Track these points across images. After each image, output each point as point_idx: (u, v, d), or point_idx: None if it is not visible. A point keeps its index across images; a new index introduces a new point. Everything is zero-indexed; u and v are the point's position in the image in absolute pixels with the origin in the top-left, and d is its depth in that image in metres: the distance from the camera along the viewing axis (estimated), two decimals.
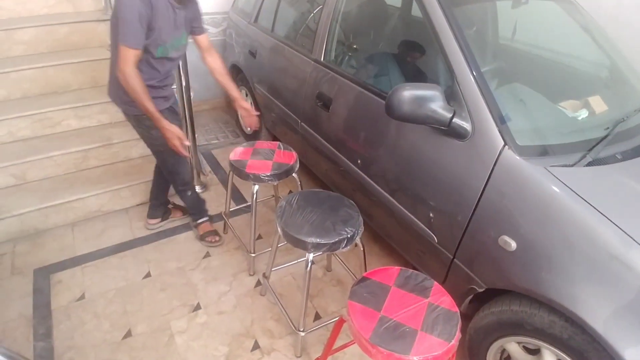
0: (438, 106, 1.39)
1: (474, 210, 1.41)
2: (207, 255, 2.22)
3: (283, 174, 1.90)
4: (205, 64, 2.01)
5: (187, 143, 1.73)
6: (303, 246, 1.50)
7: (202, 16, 1.93)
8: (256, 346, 1.76)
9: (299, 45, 2.35)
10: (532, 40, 2.29)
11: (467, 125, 1.41)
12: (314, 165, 2.49)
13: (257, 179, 1.87)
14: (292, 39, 2.46)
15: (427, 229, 1.63)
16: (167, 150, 1.84)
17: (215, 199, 2.63)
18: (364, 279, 1.29)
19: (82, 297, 1.96)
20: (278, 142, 2.08)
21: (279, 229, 1.57)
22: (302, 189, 1.92)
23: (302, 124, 2.33)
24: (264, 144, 2.08)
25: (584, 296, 1.18)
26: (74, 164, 2.50)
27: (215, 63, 2.00)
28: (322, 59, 2.12)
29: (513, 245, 1.29)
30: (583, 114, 1.70)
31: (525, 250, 1.28)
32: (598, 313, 1.15)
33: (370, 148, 1.89)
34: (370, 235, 2.32)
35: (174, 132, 1.71)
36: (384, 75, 1.97)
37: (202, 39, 1.95)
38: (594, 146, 1.41)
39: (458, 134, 1.43)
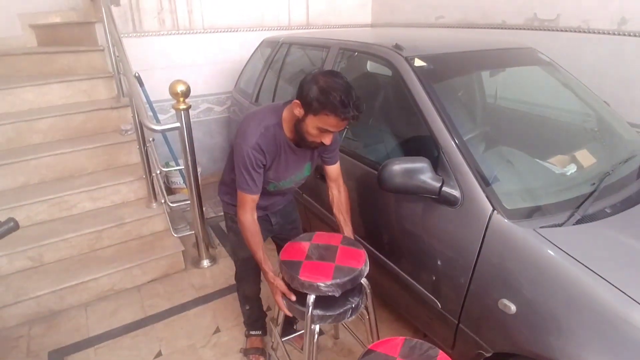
0: (427, 177, 1.48)
1: (472, 274, 1.45)
2: (217, 330, 2.23)
3: (348, 282, 1.45)
4: (330, 194, 1.79)
5: (293, 298, 1.52)
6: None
7: (338, 145, 1.73)
8: None
9: None
10: (518, 101, 2.43)
11: (456, 193, 1.49)
12: (310, 226, 2.55)
13: (313, 289, 1.44)
14: None
15: (431, 295, 1.66)
16: (241, 259, 1.87)
17: (224, 272, 2.68)
18: (369, 352, 1.31)
19: None
20: (342, 236, 1.70)
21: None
22: (372, 300, 1.68)
23: (304, 195, 2.42)
24: (324, 236, 1.69)
25: (592, 359, 1.18)
26: (88, 244, 2.59)
27: (340, 197, 1.77)
28: None
29: (513, 308, 1.32)
30: (571, 169, 1.77)
31: (526, 312, 1.30)
32: None
33: (370, 218, 1.96)
34: (379, 300, 2.33)
35: (278, 288, 1.54)
36: (378, 146, 2.09)
37: (332, 169, 1.74)
38: (581, 204, 1.46)
39: (449, 202, 1.51)
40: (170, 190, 3.42)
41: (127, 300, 2.47)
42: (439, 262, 1.60)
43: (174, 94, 2.22)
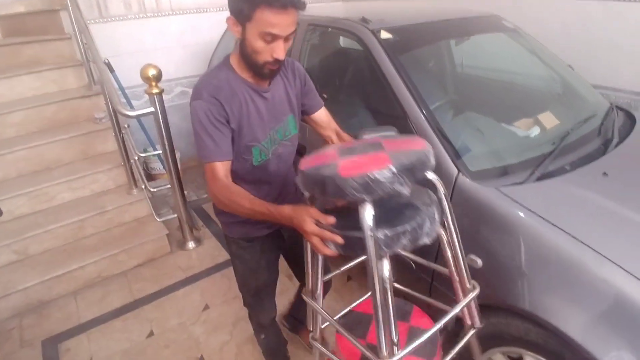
0: None
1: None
2: (206, 307, 2.30)
3: (417, 165, 0.88)
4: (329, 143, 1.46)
5: (331, 220, 0.95)
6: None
7: (313, 86, 1.43)
8: None
9: None
10: (484, 68, 2.50)
11: None
12: None
13: (366, 189, 0.84)
14: None
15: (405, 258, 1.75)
16: (253, 289, 1.58)
17: (209, 252, 2.74)
18: (350, 312, 1.39)
19: None
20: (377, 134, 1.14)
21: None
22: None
23: None
24: (351, 142, 1.22)
25: (556, 306, 1.28)
26: (72, 234, 2.61)
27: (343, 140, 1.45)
28: None
29: (479, 262, 1.41)
30: (535, 131, 1.85)
31: (491, 266, 1.39)
32: (573, 322, 1.23)
33: None
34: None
35: (303, 212, 0.98)
36: (351, 120, 2.14)
37: (320, 115, 1.46)
38: (541, 162, 1.55)
39: None
40: (150, 177, 3.43)
41: (115, 286, 2.51)
42: None
43: (146, 79, 2.22)
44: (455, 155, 1.53)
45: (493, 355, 1.53)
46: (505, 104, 2.13)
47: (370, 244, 0.87)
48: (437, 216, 1.00)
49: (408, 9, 2.61)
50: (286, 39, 1.14)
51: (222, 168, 1.20)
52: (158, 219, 2.74)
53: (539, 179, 1.50)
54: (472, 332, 1.23)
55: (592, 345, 1.20)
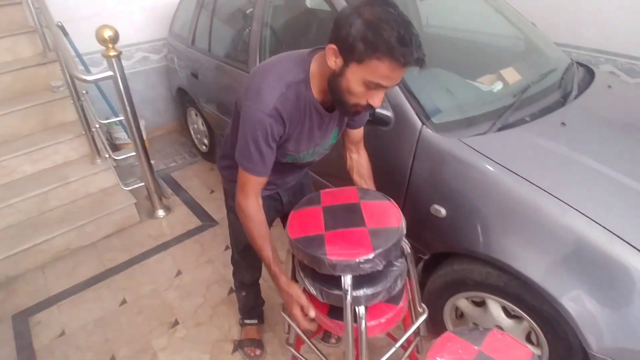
0: None
1: (407, 185, 1.57)
2: (179, 273, 2.30)
3: (392, 248, 1.08)
4: (347, 158, 1.46)
5: (312, 314, 1.15)
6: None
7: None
8: (236, 348, 1.87)
9: (236, 60, 2.46)
10: (452, 26, 2.49)
11: (388, 113, 1.57)
12: None
13: (351, 269, 1.04)
14: (229, 56, 2.57)
15: None
16: (242, 246, 1.58)
17: (180, 220, 2.71)
18: None
19: (63, 333, 2.01)
20: (355, 188, 1.33)
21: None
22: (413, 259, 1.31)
23: None
24: (333, 194, 1.29)
25: (516, 251, 1.33)
26: (36, 207, 2.53)
27: (360, 160, 1.45)
28: None
29: (443, 211, 1.45)
30: (498, 86, 1.89)
31: (454, 214, 1.44)
32: (533, 265, 1.29)
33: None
34: None
35: (293, 297, 1.15)
36: None
37: (356, 132, 1.40)
38: (501, 114, 1.59)
39: (382, 122, 1.59)
40: (115, 147, 3.33)
41: (84, 258, 2.47)
42: (378, 179, 1.70)
43: (102, 41, 2.12)
44: (420, 109, 1.54)
45: (457, 301, 1.60)
46: (469, 60, 2.15)
47: (348, 303, 1.08)
48: (405, 269, 1.22)
49: None
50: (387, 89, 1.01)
51: (257, 184, 1.17)
52: (124, 188, 2.68)
53: (500, 129, 1.53)
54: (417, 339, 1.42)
55: (551, 286, 1.27)
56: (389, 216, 1.18)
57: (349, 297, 1.07)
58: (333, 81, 1.02)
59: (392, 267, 1.17)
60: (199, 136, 3.33)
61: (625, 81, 2.56)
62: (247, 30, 2.37)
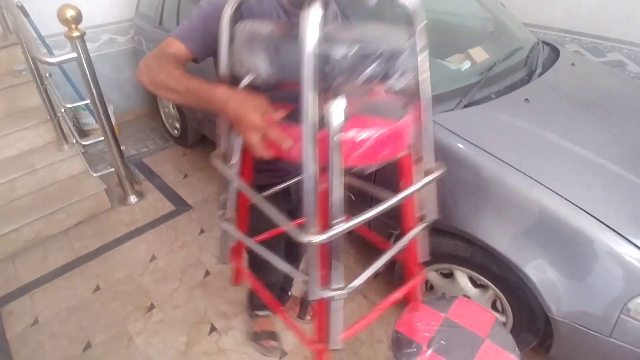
0: None
1: None
2: (154, 258, 2.28)
3: None
4: None
5: (279, 115, 0.79)
6: None
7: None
8: (213, 329, 1.88)
9: None
10: (422, 7, 2.50)
11: None
12: None
13: None
14: None
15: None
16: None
17: (153, 205, 2.68)
18: None
19: (36, 322, 1.98)
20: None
21: None
22: None
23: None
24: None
25: (482, 223, 1.38)
26: (2, 196, 2.44)
27: None
28: None
29: None
30: (465, 65, 1.92)
31: None
32: (498, 237, 1.35)
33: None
34: None
35: (245, 101, 0.78)
36: None
37: None
38: (468, 91, 1.62)
39: None
40: (83, 133, 3.24)
41: (55, 246, 2.42)
42: None
43: (64, 21, 2.04)
44: None
45: (427, 274, 1.65)
46: (439, 41, 2.16)
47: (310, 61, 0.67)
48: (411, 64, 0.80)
49: None
50: None
51: (177, 47, 0.97)
52: (94, 175, 2.62)
53: (467, 106, 1.57)
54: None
55: (515, 257, 1.33)
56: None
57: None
58: None
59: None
60: (170, 120, 3.27)
61: (589, 60, 2.64)
62: None
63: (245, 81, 0.83)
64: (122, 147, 2.65)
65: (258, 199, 0.88)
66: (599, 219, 1.22)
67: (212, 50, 0.99)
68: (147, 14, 3.02)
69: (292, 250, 1.47)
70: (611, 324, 1.23)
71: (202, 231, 2.43)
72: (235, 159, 0.94)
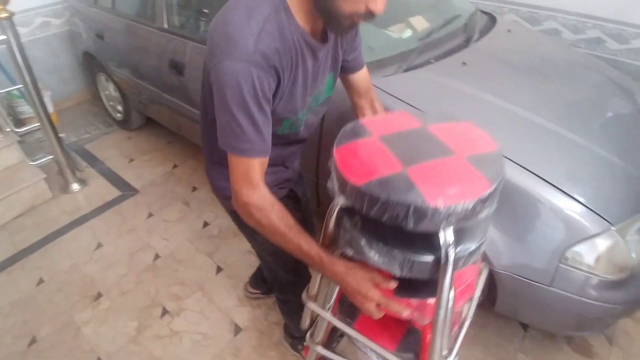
0: None
1: (320, 132, 1.59)
2: (99, 246, 2.19)
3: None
4: (359, 114, 1.18)
5: (393, 285, 0.83)
6: None
7: (361, 41, 1.09)
8: (165, 312, 1.84)
9: (143, 17, 2.31)
10: None
11: None
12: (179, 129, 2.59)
13: (464, 214, 0.71)
14: (135, 13, 2.41)
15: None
16: (285, 261, 1.22)
17: (97, 191, 2.57)
18: None
19: None
20: (405, 112, 0.96)
21: None
22: None
23: (165, 94, 2.34)
24: (381, 121, 0.94)
25: None
26: None
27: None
28: (165, 26, 2.13)
29: None
30: (407, 33, 1.94)
31: None
32: None
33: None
34: None
35: (363, 275, 0.83)
36: None
37: (360, 77, 1.13)
38: (408, 56, 1.64)
39: None
40: (21, 122, 3.04)
41: None
42: None
43: None
44: None
45: None
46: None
47: (449, 268, 0.74)
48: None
49: None
50: None
51: (260, 168, 0.85)
52: (32, 164, 2.48)
53: (406, 70, 1.59)
54: None
55: None
56: (478, 138, 0.86)
57: (450, 258, 0.73)
58: None
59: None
60: (112, 103, 3.13)
61: (525, 27, 2.72)
62: None
63: None
64: (63, 135, 2.51)
65: (352, 333, 0.98)
66: (538, 175, 1.25)
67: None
68: None
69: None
70: (551, 273, 1.27)
71: (150, 214, 2.35)
72: (330, 302, 1.00)
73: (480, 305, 1.62)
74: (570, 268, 1.25)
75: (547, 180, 1.25)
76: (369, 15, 0.78)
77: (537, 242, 1.28)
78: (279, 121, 0.93)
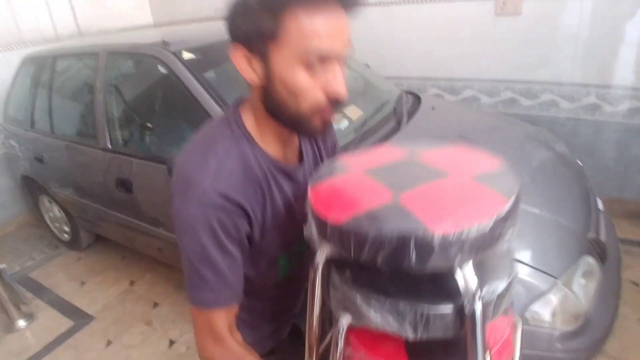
0: None
1: None
2: None
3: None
4: None
5: None
6: None
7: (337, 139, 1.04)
8: None
9: (84, 137, 2.33)
10: None
11: None
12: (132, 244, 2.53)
13: (478, 244, 0.54)
14: (75, 134, 2.42)
15: None
16: None
17: (47, 325, 2.35)
18: None
19: None
20: (390, 144, 0.85)
21: None
22: None
23: (114, 212, 2.29)
24: (365, 156, 0.79)
25: None
26: None
27: None
28: (109, 146, 2.14)
29: None
30: (344, 124, 2.08)
31: None
32: None
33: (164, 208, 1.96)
34: None
35: None
36: (164, 141, 2.07)
37: None
38: (348, 148, 1.75)
39: None
40: None
41: None
42: None
43: None
44: None
45: None
46: None
47: (478, 320, 0.55)
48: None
49: (209, 29, 2.64)
50: (341, 61, 0.69)
51: (226, 318, 0.75)
52: None
53: None
54: None
55: None
56: (479, 158, 0.72)
57: (476, 304, 0.55)
58: (268, 101, 0.71)
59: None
60: (57, 224, 3.00)
61: (445, 101, 3.00)
62: (91, 102, 2.25)
63: None
64: (3, 266, 2.34)
65: None
66: None
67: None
68: (16, 117, 2.85)
69: None
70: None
71: (108, 342, 2.17)
72: None
73: None
74: (532, 328, 1.30)
75: None
76: (335, 101, 0.69)
77: None
78: (272, 263, 0.84)
